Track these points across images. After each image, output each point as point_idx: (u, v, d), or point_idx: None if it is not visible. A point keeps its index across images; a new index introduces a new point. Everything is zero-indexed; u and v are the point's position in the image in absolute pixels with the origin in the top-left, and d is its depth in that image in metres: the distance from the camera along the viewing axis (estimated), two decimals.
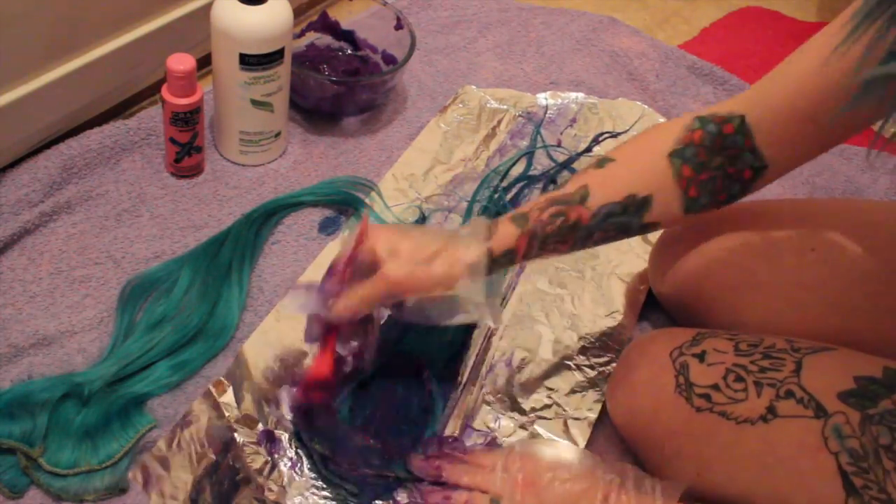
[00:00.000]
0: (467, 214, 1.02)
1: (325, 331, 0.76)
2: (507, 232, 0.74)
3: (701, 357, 0.74)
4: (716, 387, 0.72)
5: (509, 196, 1.04)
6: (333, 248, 0.95)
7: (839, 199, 1.10)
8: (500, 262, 0.74)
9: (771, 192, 1.13)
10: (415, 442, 0.79)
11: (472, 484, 0.74)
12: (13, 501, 0.73)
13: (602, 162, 0.76)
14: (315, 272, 0.92)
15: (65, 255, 0.91)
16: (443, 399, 0.83)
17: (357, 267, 0.74)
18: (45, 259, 0.90)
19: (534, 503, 0.71)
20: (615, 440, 0.84)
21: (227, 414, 0.79)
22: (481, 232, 0.73)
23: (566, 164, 1.10)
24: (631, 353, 0.81)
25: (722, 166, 0.73)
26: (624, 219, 0.74)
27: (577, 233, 0.74)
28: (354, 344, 0.78)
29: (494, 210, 1.02)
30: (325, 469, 0.76)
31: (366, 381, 0.82)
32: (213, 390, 0.80)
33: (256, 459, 0.76)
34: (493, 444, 0.81)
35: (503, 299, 0.92)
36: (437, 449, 0.78)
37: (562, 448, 0.77)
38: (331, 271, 0.76)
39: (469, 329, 0.89)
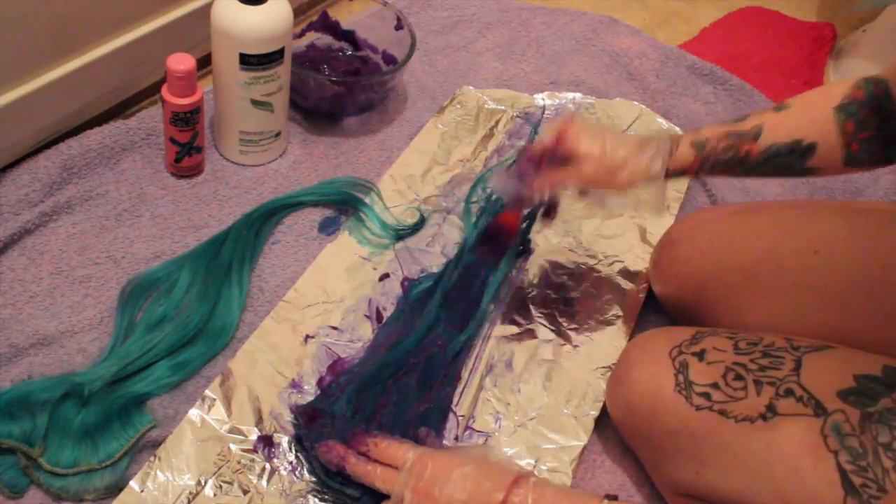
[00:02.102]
0: (466, 215, 1.02)
1: (518, 201, 0.89)
2: (685, 154, 0.83)
3: (700, 356, 0.74)
4: (715, 385, 0.72)
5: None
6: (333, 248, 0.95)
7: (842, 201, 1.10)
8: (673, 175, 0.84)
9: (771, 192, 1.14)
10: (416, 443, 0.79)
11: (376, 483, 0.72)
12: (13, 501, 0.73)
13: (780, 107, 0.82)
14: (315, 272, 0.92)
15: (65, 255, 0.91)
16: (444, 400, 0.83)
17: (553, 157, 0.84)
18: (45, 259, 0.90)
19: None
20: (616, 439, 0.84)
21: (218, 429, 0.78)
22: (665, 150, 0.82)
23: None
24: (630, 352, 0.81)
25: (879, 128, 0.77)
26: (788, 160, 0.80)
27: (743, 165, 0.82)
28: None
29: (493, 210, 1.02)
30: (326, 473, 0.76)
31: (368, 383, 0.82)
32: (198, 411, 0.79)
33: (254, 466, 0.76)
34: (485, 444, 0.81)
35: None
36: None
37: (483, 454, 0.74)
38: (524, 156, 0.87)
39: (474, 337, 0.89)
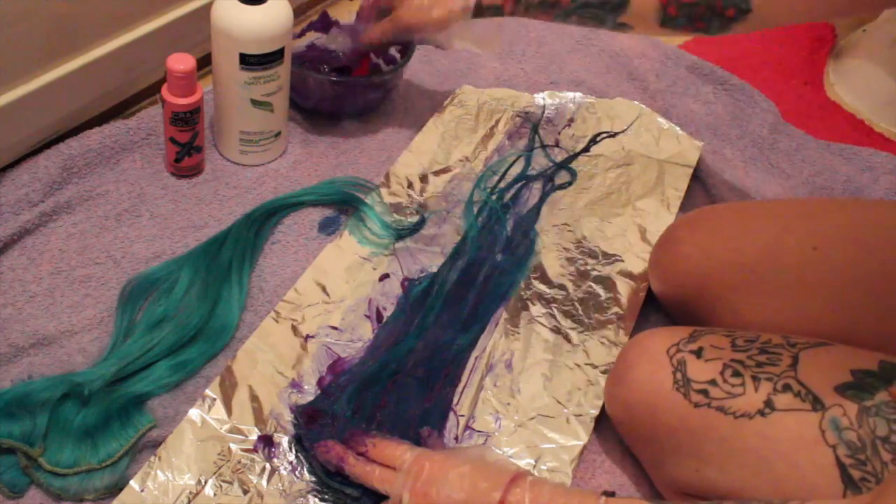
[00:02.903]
0: (466, 215, 1.02)
1: (355, 54, 1.06)
2: None
3: (698, 353, 0.74)
4: (713, 382, 0.72)
5: (508, 196, 1.04)
6: (333, 248, 0.95)
7: (840, 199, 1.10)
8: (487, 12, 0.90)
9: (771, 191, 1.14)
10: (417, 444, 0.79)
11: (374, 483, 0.72)
12: (13, 501, 0.73)
13: None
14: (315, 272, 0.92)
15: (65, 255, 0.91)
16: (444, 400, 0.83)
17: (378, 10, 0.99)
18: (45, 259, 0.90)
19: None
20: (616, 439, 0.84)
21: (218, 429, 0.78)
22: None
23: (564, 164, 1.10)
24: (629, 351, 0.81)
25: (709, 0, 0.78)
26: (599, 12, 0.83)
27: (555, 9, 0.86)
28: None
29: (493, 210, 1.02)
30: (326, 473, 0.76)
31: (368, 383, 0.82)
32: (198, 411, 0.79)
33: (254, 466, 0.76)
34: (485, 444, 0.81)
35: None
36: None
37: (481, 454, 0.74)
38: (359, 14, 1.03)
39: (476, 334, 0.89)
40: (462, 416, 0.83)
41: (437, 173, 1.07)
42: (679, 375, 0.74)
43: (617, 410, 0.81)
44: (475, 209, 1.02)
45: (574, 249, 1.00)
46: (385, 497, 0.72)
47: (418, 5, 0.93)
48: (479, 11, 0.92)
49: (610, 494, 0.66)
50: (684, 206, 1.08)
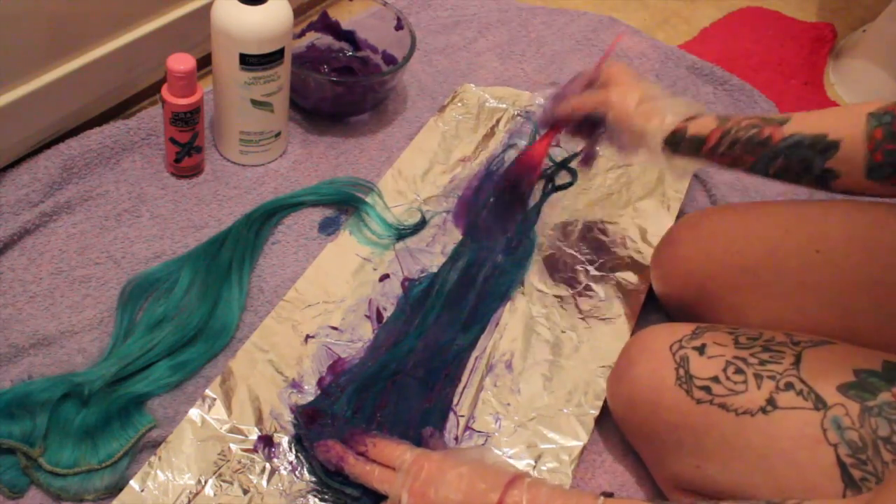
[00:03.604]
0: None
1: (551, 124, 0.94)
2: (707, 121, 0.81)
3: (701, 350, 0.74)
4: (716, 379, 0.72)
5: (508, 196, 1.04)
6: (333, 248, 0.95)
7: (843, 201, 1.10)
8: (687, 143, 0.81)
9: (772, 192, 1.14)
10: (417, 445, 0.79)
11: (374, 483, 0.72)
12: (13, 501, 0.73)
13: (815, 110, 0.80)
14: (315, 272, 0.92)
15: (65, 255, 0.91)
16: (444, 400, 0.83)
17: (592, 83, 0.89)
18: (45, 259, 0.90)
19: None
20: (616, 439, 0.84)
21: (218, 429, 0.78)
22: (688, 110, 0.82)
23: (564, 164, 1.10)
24: (631, 348, 0.81)
25: None
26: (808, 153, 0.75)
27: (764, 149, 0.77)
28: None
29: (491, 209, 1.02)
30: (325, 473, 0.76)
31: (368, 383, 0.82)
32: (198, 411, 0.79)
33: (254, 466, 0.76)
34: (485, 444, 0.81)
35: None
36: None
37: (479, 455, 0.74)
38: (570, 82, 0.92)
39: (476, 334, 0.89)
40: (462, 416, 0.83)
41: (437, 173, 1.07)
42: (682, 372, 0.74)
43: (619, 407, 0.81)
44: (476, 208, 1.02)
45: (574, 249, 0.99)
46: (384, 497, 0.72)
47: (631, 97, 0.84)
48: (676, 140, 0.82)
49: (608, 495, 0.66)
50: (685, 207, 1.08)
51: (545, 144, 0.98)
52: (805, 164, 0.76)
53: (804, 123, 0.77)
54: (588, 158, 0.96)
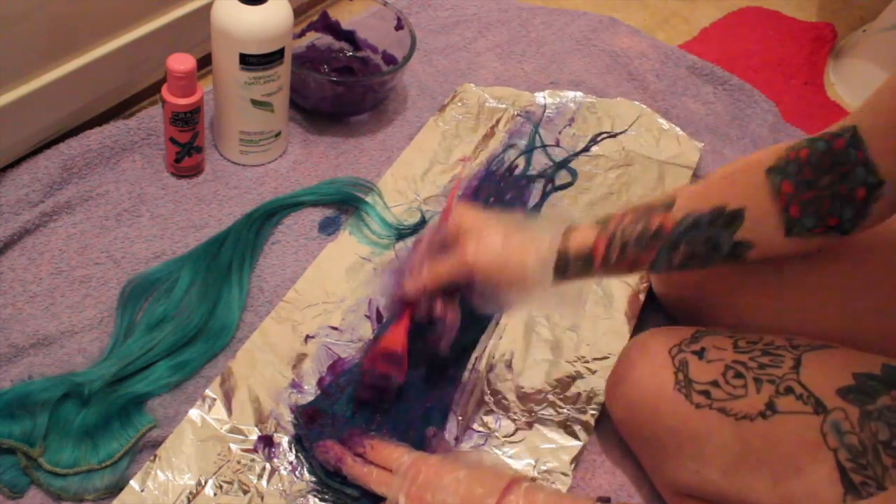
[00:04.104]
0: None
1: (402, 305, 0.77)
2: (586, 232, 0.72)
3: (700, 354, 0.74)
4: (715, 383, 0.72)
5: (508, 196, 1.04)
6: (333, 248, 0.95)
7: None
8: (575, 265, 0.72)
9: None
10: (417, 445, 0.79)
11: (371, 486, 0.72)
12: (13, 501, 0.73)
13: (697, 181, 0.73)
14: (315, 272, 0.92)
15: (65, 255, 0.91)
16: (444, 400, 0.83)
17: (438, 244, 0.75)
18: (45, 259, 0.90)
19: None
20: (616, 440, 0.84)
21: (218, 429, 0.78)
22: (557, 225, 0.73)
23: (564, 164, 1.10)
24: (630, 351, 0.81)
25: (831, 185, 0.65)
26: (712, 232, 0.69)
27: (659, 241, 0.70)
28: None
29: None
30: (325, 473, 0.76)
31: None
32: (198, 411, 0.79)
33: (254, 466, 0.76)
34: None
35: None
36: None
37: (477, 459, 0.73)
38: (414, 247, 0.78)
39: (476, 334, 0.89)
40: (462, 416, 0.83)
41: (437, 172, 1.07)
42: (681, 376, 0.74)
43: (618, 410, 0.81)
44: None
45: None
46: (383, 498, 0.72)
47: (493, 248, 0.72)
48: (562, 266, 0.72)
49: (605, 500, 0.66)
50: None
51: (402, 331, 0.78)
52: (711, 243, 0.69)
53: (693, 200, 0.70)
54: (444, 338, 0.79)
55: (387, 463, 0.72)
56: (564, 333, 0.91)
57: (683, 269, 0.72)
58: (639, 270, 0.73)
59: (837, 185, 0.65)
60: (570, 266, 0.72)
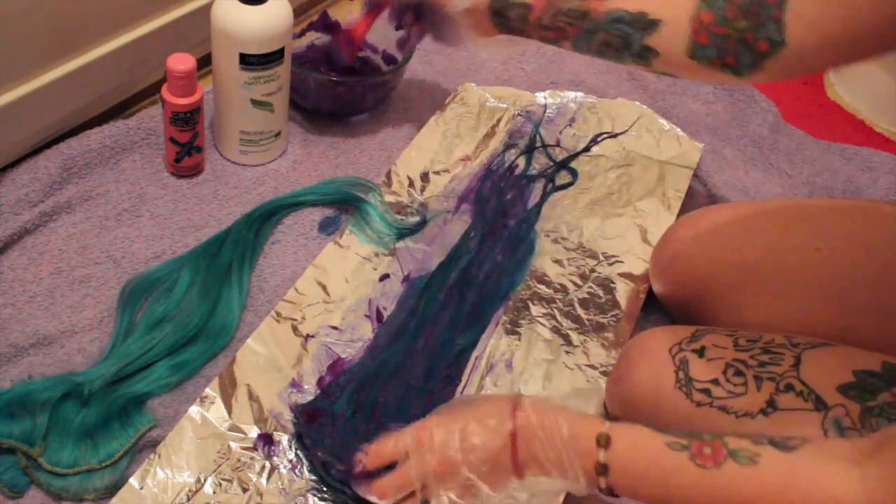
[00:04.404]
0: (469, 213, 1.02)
1: (374, 6, 0.99)
2: None
3: (700, 352, 0.74)
4: (716, 381, 0.72)
5: (508, 196, 1.04)
6: (333, 248, 0.95)
7: (841, 200, 1.10)
8: (514, 11, 0.83)
9: (771, 192, 1.14)
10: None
11: (394, 488, 0.68)
12: (13, 501, 0.73)
13: None
14: (315, 272, 0.92)
15: (65, 255, 0.91)
16: (445, 399, 0.83)
17: None
18: (45, 259, 0.90)
19: (455, 485, 0.65)
20: None
21: (218, 427, 0.78)
22: None
23: (564, 164, 1.10)
24: (630, 350, 0.81)
25: (742, 29, 0.71)
26: (628, 30, 0.77)
27: (585, 22, 0.79)
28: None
29: (494, 208, 1.02)
30: (326, 472, 0.76)
31: (368, 382, 0.82)
32: (198, 408, 0.79)
33: (254, 464, 0.76)
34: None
35: None
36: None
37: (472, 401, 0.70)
38: None
39: (476, 334, 0.89)
40: None
41: (438, 172, 1.07)
42: (681, 375, 0.74)
43: (618, 409, 0.80)
44: (477, 208, 1.02)
45: (574, 250, 0.99)
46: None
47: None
48: (503, 6, 0.85)
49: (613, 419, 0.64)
50: (685, 207, 1.07)
51: (367, 23, 1.04)
52: (625, 40, 0.77)
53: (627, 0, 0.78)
54: (403, 43, 1.02)
55: (389, 457, 0.69)
56: (564, 333, 0.91)
57: (599, 56, 0.81)
58: (563, 44, 0.82)
59: (748, 31, 0.71)
60: (509, 11, 0.84)
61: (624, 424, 0.62)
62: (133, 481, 0.73)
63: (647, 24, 0.76)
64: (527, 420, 0.64)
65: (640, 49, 0.77)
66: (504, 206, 1.03)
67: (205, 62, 1.02)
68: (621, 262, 0.99)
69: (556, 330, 0.91)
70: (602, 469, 0.61)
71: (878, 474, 0.50)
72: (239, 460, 0.76)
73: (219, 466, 0.75)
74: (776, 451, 0.55)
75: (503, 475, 0.65)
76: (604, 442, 0.61)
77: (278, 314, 0.88)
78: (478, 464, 0.64)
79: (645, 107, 1.19)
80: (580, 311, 0.93)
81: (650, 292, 0.95)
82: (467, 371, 0.86)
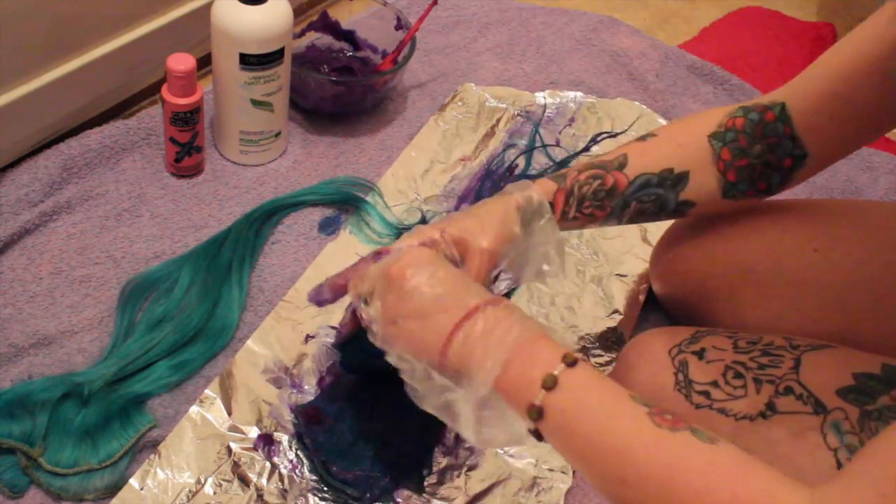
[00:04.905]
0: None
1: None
2: (545, 187, 0.76)
3: (700, 354, 0.74)
4: (715, 384, 0.72)
5: None
6: (334, 248, 0.95)
7: (841, 200, 1.10)
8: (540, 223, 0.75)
9: None
10: (416, 441, 0.79)
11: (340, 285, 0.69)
12: (13, 501, 0.73)
13: (645, 136, 0.78)
14: (315, 272, 0.92)
15: (65, 255, 0.91)
16: None
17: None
18: (45, 259, 0.90)
19: (392, 300, 0.63)
20: None
21: (218, 427, 0.78)
22: (524, 187, 0.75)
23: (564, 164, 1.10)
24: (630, 352, 0.81)
25: (762, 154, 0.74)
26: (660, 191, 0.75)
27: (613, 199, 0.76)
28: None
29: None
30: (326, 471, 0.76)
31: (369, 383, 0.82)
32: (198, 409, 0.79)
33: (254, 464, 0.76)
34: None
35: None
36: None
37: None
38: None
39: None
40: None
41: (438, 172, 1.07)
42: (681, 376, 0.74)
43: None
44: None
45: (574, 250, 0.99)
46: (386, 495, 0.72)
47: (460, 217, 0.73)
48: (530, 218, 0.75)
49: (572, 364, 0.56)
50: None
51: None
52: (659, 202, 0.76)
53: (645, 161, 0.76)
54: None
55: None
56: (564, 334, 0.91)
57: (633, 223, 0.79)
58: (593, 225, 0.78)
59: (767, 154, 0.74)
60: (541, 208, 0.75)
61: (588, 369, 0.56)
62: (133, 481, 0.73)
63: (676, 179, 0.75)
64: (492, 314, 0.59)
65: (677, 205, 0.77)
66: None
67: (205, 62, 1.02)
68: (621, 261, 0.99)
69: (557, 330, 0.91)
70: (536, 413, 0.56)
71: (830, 494, 0.47)
72: (239, 460, 0.76)
73: (219, 467, 0.75)
74: (736, 448, 0.52)
75: (433, 337, 0.60)
76: (550, 383, 0.55)
77: (278, 314, 0.88)
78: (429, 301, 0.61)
79: (644, 107, 1.19)
80: (580, 312, 0.93)
81: (650, 292, 0.95)
82: None
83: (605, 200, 0.76)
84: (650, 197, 0.76)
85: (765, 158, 0.74)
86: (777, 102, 0.74)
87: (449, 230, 0.71)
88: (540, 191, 0.75)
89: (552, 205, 0.75)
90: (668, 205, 0.76)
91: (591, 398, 0.55)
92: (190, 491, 0.74)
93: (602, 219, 0.77)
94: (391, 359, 0.65)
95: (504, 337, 0.58)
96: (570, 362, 0.56)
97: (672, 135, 0.78)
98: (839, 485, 0.48)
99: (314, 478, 0.76)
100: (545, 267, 0.75)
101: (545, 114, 1.17)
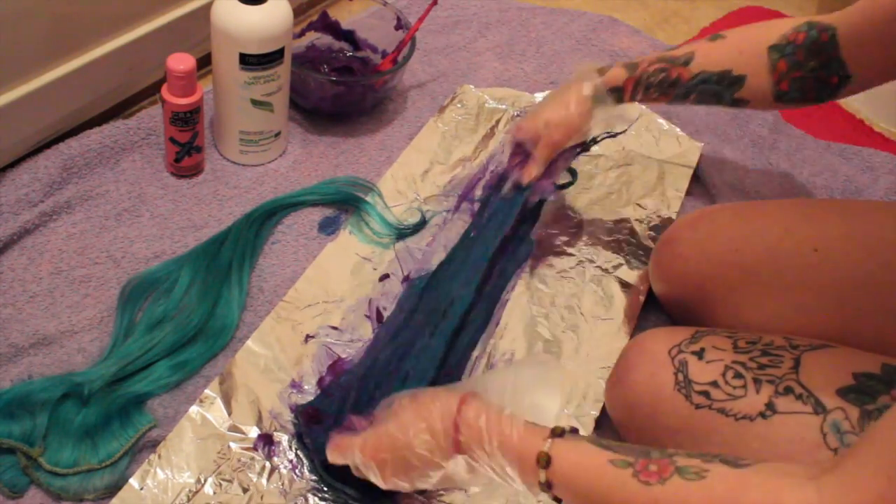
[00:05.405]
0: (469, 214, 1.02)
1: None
2: (617, 74, 0.89)
3: (700, 354, 0.74)
4: (715, 384, 0.72)
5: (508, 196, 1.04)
6: (333, 248, 0.95)
7: (841, 200, 1.10)
8: (610, 95, 0.90)
9: (771, 191, 1.14)
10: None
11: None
12: (13, 501, 0.73)
13: (714, 37, 0.87)
14: (315, 272, 0.92)
15: (65, 255, 0.91)
16: None
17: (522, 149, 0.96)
18: (45, 259, 0.90)
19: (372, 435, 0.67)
20: (615, 439, 0.84)
21: (218, 427, 0.78)
22: (592, 74, 0.90)
23: None
24: (629, 352, 0.81)
25: (815, 69, 0.79)
26: (718, 88, 0.84)
27: (676, 89, 0.87)
28: None
29: (492, 209, 1.02)
30: (326, 472, 0.76)
31: (369, 383, 0.82)
32: (198, 409, 0.79)
33: (254, 464, 0.76)
34: None
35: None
36: None
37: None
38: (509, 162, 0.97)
39: (475, 337, 0.89)
40: None
41: (437, 173, 1.07)
42: (680, 377, 0.74)
43: (617, 411, 0.80)
44: (474, 207, 1.02)
45: (575, 250, 0.99)
46: (385, 496, 0.71)
47: (554, 118, 0.91)
48: (603, 98, 0.91)
49: (559, 435, 0.61)
50: (684, 207, 1.08)
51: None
52: (716, 96, 0.85)
53: (708, 59, 0.85)
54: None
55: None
56: (564, 333, 0.91)
57: (695, 104, 0.89)
58: (657, 103, 0.92)
59: (819, 70, 0.79)
60: (607, 97, 0.90)
61: (568, 441, 0.60)
62: (133, 481, 0.73)
63: (733, 80, 0.83)
64: (470, 422, 0.62)
65: (731, 101, 0.85)
66: (503, 206, 1.02)
67: (205, 62, 1.02)
68: (621, 261, 0.99)
69: (556, 330, 0.91)
70: (545, 486, 0.60)
71: (837, 482, 0.48)
72: (239, 461, 0.76)
73: (219, 467, 0.75)
74: (726, 467, 0.54)
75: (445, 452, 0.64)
76: (544, 462, 0.59)
77: (278, 314, 0.88)
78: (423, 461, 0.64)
79: (644, 106, 1.19)
80: (580, 311, 0.93)
81: (650, 292, 0.95)
82: (468, 370, 0.86)
83: (669, 89, 0.87)
84: (708, 91, 0.85)
85: (817, 73, 0.79)
86: (830, 26, 0.78)
87: (524, 125, 0.93)
88: (603, 82, 0.89)
89: (623, 89, 0.89)
90: (724, 99, 0.85)
91: (579, 481, 0.59)
92: (190, 491, 0.74)
93: (666, 101, 0.89)
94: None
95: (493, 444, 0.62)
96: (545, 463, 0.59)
97: (738, 39, 0.85)
98: (845, 473, 0.48)
99: (314, 478, 0.76)
100: (610, 131, 0.95)
101: None
